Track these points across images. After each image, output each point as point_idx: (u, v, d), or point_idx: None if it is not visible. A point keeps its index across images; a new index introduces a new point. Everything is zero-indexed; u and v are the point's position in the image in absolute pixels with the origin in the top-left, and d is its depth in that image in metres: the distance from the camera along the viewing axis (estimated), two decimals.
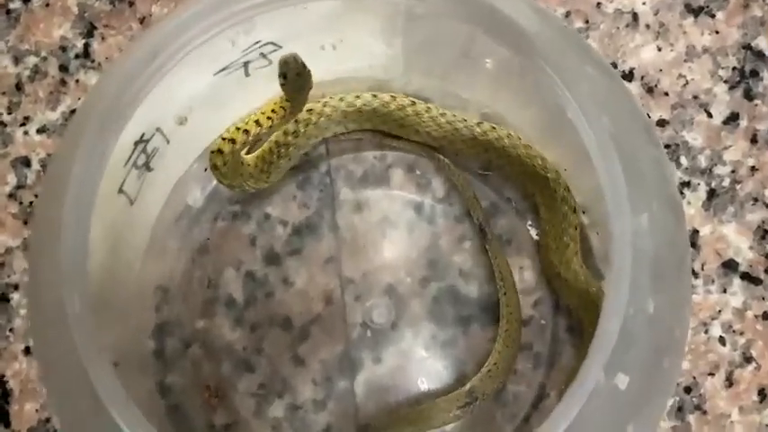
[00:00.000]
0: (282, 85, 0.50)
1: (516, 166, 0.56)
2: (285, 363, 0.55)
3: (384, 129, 0.58)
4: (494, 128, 0.56)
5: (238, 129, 0.51)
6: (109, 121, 0.45)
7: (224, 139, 0.51)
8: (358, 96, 0.57)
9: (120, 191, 0.49)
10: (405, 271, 0.57)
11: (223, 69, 0.51)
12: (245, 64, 0.51)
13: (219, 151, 0.51)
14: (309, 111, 0.56)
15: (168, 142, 0.52)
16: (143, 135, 0.49)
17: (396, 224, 0.57)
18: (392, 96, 0.57)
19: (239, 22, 0.47)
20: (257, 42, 0.50)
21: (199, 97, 0.52)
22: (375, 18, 0.51)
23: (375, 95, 0.57)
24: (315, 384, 0.55)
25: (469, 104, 0.57)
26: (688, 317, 0.47)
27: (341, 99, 0.57)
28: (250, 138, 0.51)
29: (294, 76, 0.49)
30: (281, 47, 0.51)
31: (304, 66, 0.49)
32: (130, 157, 0.49)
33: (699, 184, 0.59)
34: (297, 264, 0.57)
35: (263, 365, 0.55)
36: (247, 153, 0.55)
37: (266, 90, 0.52)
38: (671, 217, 0.45)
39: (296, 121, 0.55)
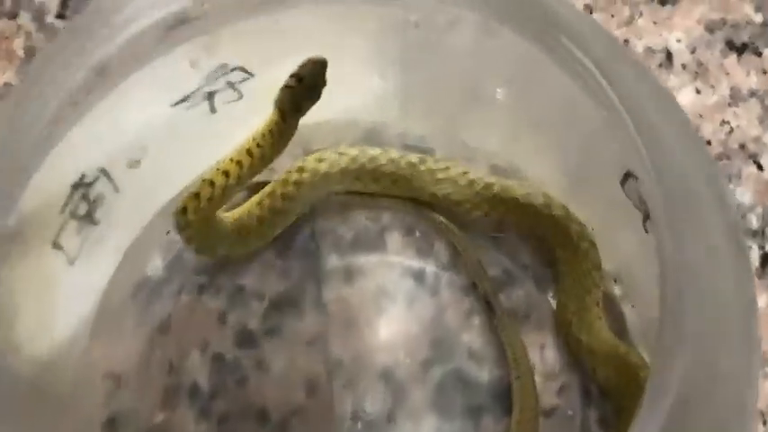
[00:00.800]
0: (288, 87, 0.42)
1: (531, 218, 0.49)
2: None
3: (394, 191, 0.50)
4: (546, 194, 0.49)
5: (204, 180, 0.43)
6: (17, 157, 0.37)
7: (189, 194, 0.44)
8: (362, 149, 0.49)
9: (56, 244, 0.41)
10: (404, 352, 0.48)
11: (183, 100, 0.43)
12: (210, 95, 0.44)
13: (183, 209, 0.44)
14: (300, 170, 0.48)
15: (117, 190, 0.44)
16: (83, 177, 0.42)
17: (392, 296, 0.49)
18: (401, 154, 0.50)
19: (199, 33, 0.39)
20: (223, 66, 0.42)
21: (154, 134, 0.44)
22: (365, 39, 0.44)
23: (385, 150, 0.49)
24: None
25: (478, 153, 0.49)
26: (758, 377, 0.38)
27: (341, 153, 0.49)
28: (216, 191, 0.43)
29: (310, 84, 0.42)
30: (252, 75, 0.43)
31: (325, 79, 0.42)
32: (67, 203, 0.41)
33: (750, 247, 0.51)
34: (275, 344, 0.48)
35: None
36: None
37: (237, 131, 0.44)
38: (733, 249, 0.37)
39: (284, 181, 0.48)
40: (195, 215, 0.44)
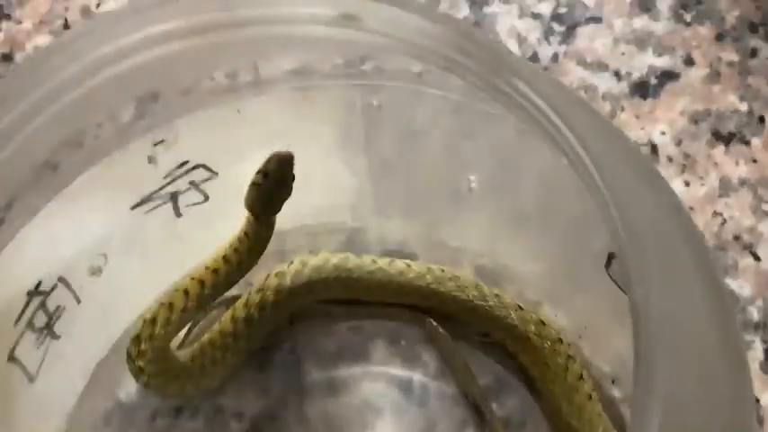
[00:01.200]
0: (255, 185, 0.40)
1: (505, 331, 0.46)
2: None
3: (366, 297, 0.48)
4: (479, 285, 0.47)
5: (177, 290, 0.41)
6: None
7: (144, 320, 0.41)
8: (328, 258, 0.47)
9: (12, 358, 0.39)
10: None
11: (144, 202, 0.41)
12: (173, 197, 0.41)
13: (152, 320, 0.41)
14: (260, 290, 0.45)
15: (79, 302, 0.41)
16: (39, 284, 0.39)
17: (380, 410, 0.46)
18: (373, 259, 0.47)
19: (156, 125, 0.37)
20: (184, 164, 0.40)
21: (114, 240, 0.42)
22: (329, 126, 0.42)
23: (347, 256, 0.47)
24: None
25: (461, 254, 0.47)
26: None
27: (302, 263, 0.46)
28: (190, 303, 0.41)
29: (278, 179, 0.40)
30: (215, 173, 0.41)
31: (293, 172, 0.40)
32: (23, 312, 0.39)
33: (753, 341, 0.48)
34: None
35: None
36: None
37: (205, 239, 0.41)
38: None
39: (246, 304, 0.45)
40: (164, 328, 0.41)
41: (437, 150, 0.42)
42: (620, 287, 0.37)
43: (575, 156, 0.31)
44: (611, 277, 0.38)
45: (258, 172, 0.40)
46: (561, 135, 0.31)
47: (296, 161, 0.39)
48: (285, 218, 0.42)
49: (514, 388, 0.46)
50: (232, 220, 0.41)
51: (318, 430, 0.46)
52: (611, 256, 0.37)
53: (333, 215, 0.47)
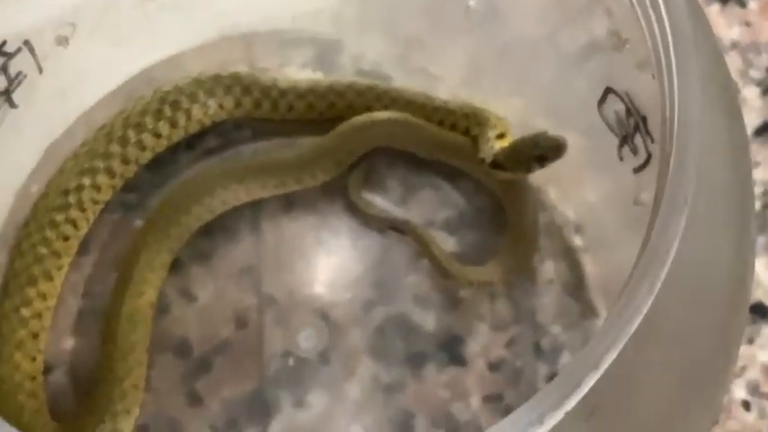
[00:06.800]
0: (527, 162, 0.41)
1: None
2: (176, 400, 0.42)
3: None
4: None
5: None
6: None
7: None
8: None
9: None
10: (343, 291, 0.44)
11: None
12: None
13: None
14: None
15: (41, 71, 0.39)
16: (4, 44, 0.37)
17: (336, 229, 0.46)
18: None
19: None
20: None
21: (85, 12, 0.39)
22: None
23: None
24: None
25: (440, 83, 0.45)
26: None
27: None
28: None
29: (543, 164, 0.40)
30: None
31: None
32: None
33: None
34: (202, 272, 0.44)
35: (146, 402, 0.42)
36: None
37: (175, 28, 0.39)
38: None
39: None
40: None
41: None
42: (610, 129, 0.35)
43: None
44: (602, 117, 0.36)
45: (535, 143, 0.40)
46: None
47: None
48: (256, 19, 0.39)
49: (475, 227, 0.45)
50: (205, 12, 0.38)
51: (271, 243, 0.45)
52: (608, 92, 0.35)
53: (308, 23, 0.45)
